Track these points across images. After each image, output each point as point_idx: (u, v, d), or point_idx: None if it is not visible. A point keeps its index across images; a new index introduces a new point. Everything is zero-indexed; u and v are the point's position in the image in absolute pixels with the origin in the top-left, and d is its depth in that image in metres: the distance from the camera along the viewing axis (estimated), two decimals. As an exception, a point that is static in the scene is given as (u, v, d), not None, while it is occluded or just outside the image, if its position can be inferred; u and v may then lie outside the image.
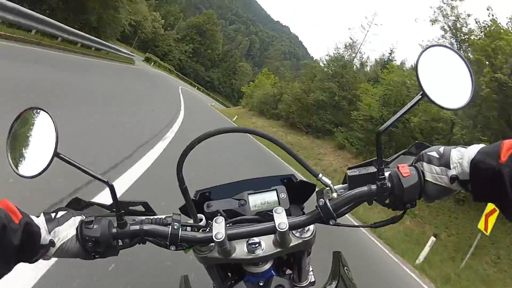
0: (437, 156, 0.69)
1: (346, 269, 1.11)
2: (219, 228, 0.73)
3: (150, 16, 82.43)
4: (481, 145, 0.64)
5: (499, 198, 0.59)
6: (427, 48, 0.75)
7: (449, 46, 0.78)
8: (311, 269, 0.98)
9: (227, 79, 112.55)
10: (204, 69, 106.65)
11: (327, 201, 0.74)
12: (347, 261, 1.17)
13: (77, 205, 0.82)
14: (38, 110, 0.77)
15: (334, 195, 0.79)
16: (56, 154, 0.71)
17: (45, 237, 0.66)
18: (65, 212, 0.73)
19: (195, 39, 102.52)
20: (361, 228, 1.00)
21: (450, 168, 0.66)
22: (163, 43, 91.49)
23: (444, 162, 0.67)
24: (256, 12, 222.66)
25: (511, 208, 0.58)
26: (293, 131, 28.34)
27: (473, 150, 0.64)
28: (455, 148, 0.68)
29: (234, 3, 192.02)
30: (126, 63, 25.69)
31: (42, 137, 0.75)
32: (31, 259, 0.66)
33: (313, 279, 0.98)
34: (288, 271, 0.98)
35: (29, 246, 0.63)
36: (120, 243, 0.76)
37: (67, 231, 0.70)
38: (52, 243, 0.68)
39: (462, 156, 0.65)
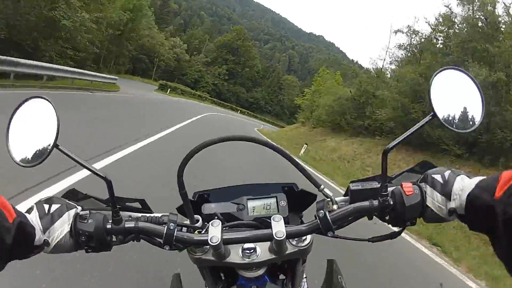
0: (441, 181, 0.70)
1: (340, 277, 1.10)
2: (215, 232, 0.72)
3: (169, 42, 71.25)
4: (482, 178, 0.63)
5: (491, 232, 0.58)
6: (442, 70, 0.77)
7: (463, 69, 0.79)
8: (304, 276, 0.99)
9: (273, 96, 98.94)
10: (245, 90, 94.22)
11: (327, 212, 0.74)
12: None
13: (73, 196, 0.81)
14: (42, 100, 0.76)
15: (335, 207, 0.79)
16: (55, 145, 0.72)
17: (40, 237, 0.65)
18: (59, 205, 0.71)
19: (228, 59, 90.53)
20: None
21: (450, 200, 0.67)
22: (190, 69, 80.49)
23: (447, 191, 0.68)
24: (287, 28, 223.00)
25: (501, 245, 0.56)
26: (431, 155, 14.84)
27: (473, 182, 0.63)
28: (459, 175, 0.68)
29: (263, 24, 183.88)
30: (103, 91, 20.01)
31: (43, 127, 0.74)
32: (24, 257, 0.65)
33: (306, 287, 1.01)
34: (282, 277, 0.94)
35: (22, 246, 0.62)
36: (114, 239, 0.76)
37: (61, 228, 0.69)
38: (46, 243, 0.67)
39: (463, 188, 0.65)
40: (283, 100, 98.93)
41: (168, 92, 45.63)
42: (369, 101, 22.32)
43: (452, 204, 0.66)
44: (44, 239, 0.66)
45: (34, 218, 0.66)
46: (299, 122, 46.18)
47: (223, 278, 0.91)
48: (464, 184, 0.65)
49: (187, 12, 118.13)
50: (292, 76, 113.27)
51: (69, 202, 0.74)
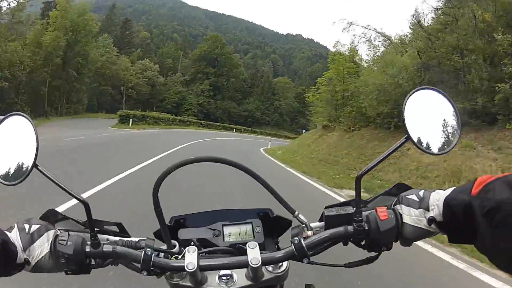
0: (417, 199, 0.70)
1: None
2: (191, 258, 0.72)
3: (136, 66, 60.77)
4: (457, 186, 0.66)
5: (472, 233, 0.59)
6: (416, 90, 0.75)
7: (438, 89, 0.77)
8: None
9: (268, 104, 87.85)
10: (236, 103, 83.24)
11: (302, 239, 0.75)
12: None
13: (51, 217, 0.81)
14: (21, 117, 0.75)
15: (310, 233, 0.78)
16: (34, 165, 0.71)
17: (20, 256, 0.66)
18: (39, 225, 0.71)
19: (209, 72, 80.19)
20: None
21: (428, 211, 0.67)
22: (168, 93, 69.86)
23: (424, 205, 0.68)
24: (263, 34, 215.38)
25: (483, 240, 0.58)
26: None
27: (450, 189, 0.66)
28: (434, 191, 0.69)
29: (239, 34, 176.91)
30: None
31: (23, 145, 0.73)
32: (7, 275, 0.66)
33: None
34: None
35: (5, 264, 0.63)
36: (93, 262, 0.76)
37: (41, 248, 0.69)
38: (27, 261, 0.67)
39: (439, 198, 0.66)
40: (280, 106, 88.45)
41: (130, 124, 34.91)
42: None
43: (431, 213, 0.66)
44: (25, 258, 0.66)
45: (14, 236, 0.66)
46: (312, 128, 34.96)
47: None
48: (440, 193, 0.66)
49: (159, 38, 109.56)
50: (284, 77, 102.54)
51: (48, 223, 0.74)
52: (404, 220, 0.70)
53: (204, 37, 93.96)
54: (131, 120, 35.66)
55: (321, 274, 3.15)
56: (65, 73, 40.07)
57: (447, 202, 0.63)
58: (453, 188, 0.65)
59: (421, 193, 0.70)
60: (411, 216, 0.69)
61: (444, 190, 0.67)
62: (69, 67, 40.70)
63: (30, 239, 0.68)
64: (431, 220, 0.65)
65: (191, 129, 46.09)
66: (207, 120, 64.53)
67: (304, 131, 64.78)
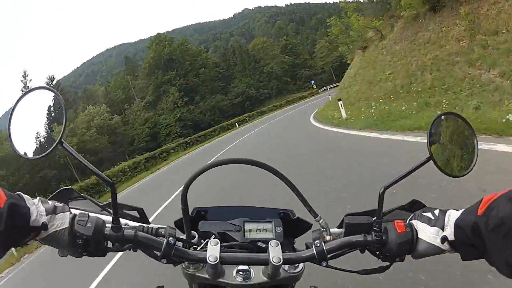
0: (432, 217, 0.73)
1: None
2: (214, 251, 0.73)
3: (80, 120, 44.00)
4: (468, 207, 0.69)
5: (483, 252, 0.63)
6: (441, 115, 0.81)
7: (461, 116, 0.82)
8: None
9: (258, 75, 70.11)
10: (222, 94, 65.24)
11: (323, 243, 0.77)
12: None
13: (70, 195, 0.83)
14: (49, 91, 0.72)
15: (328, 238, 0.81)
16: (60, 142, 0.68)
17: (37, 218, 0.65)
18: (63, 204, 0.72)
19: (171, 77, 62.39)
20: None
21: (443, 230, 0.70)
22: (134, 128, 52.96)
23: (439, 224, 0.71)
24: (212, 26, 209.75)
25: (492, 254, 0.61)
26: None
27: (460, 211, 0.69)
28: (448, 210, 0.72)
29: (190, 38, 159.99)
30: None
31: (49, 120, 0.74)
32: (20, 242, 0.65)
33: None
34: None
35: (17, 228, 0.62)
36: (110, 245, 0.75)
37: (62, 220, 0.69)
38: (44, 226, 0.66)
39: (451, 219, 0.70)
40: (273, 70, 70.66)
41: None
42: None
43: (444, 233, 0.69)
44: (43, 222, 0.65)
45: (36, 202, 0.67)
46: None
47: None
48: (452, 215, 0.69)
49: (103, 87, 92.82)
50: (259, 37, 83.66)
51: (65, 204, 0.74)
52: (419, 236, 0.73)
53: (146, 45, 75.36)
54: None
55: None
56: None
57: (457, 223, 0.67)
58: (463, 209, 0.68)
59: (436, 212, 0.73)
60: (426, 232, 0.72)
61: (456, 210, 0.70)
62: None
63: (53, 209, 0.68)
64: (444, 239, 0.69)
65: (182, 156, 29.92)
66: (197, 131, 47.08)
67: (313, 82, 56.64)
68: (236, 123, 45.12)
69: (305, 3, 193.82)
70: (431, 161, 0.74)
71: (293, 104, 49.27)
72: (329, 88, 52.54)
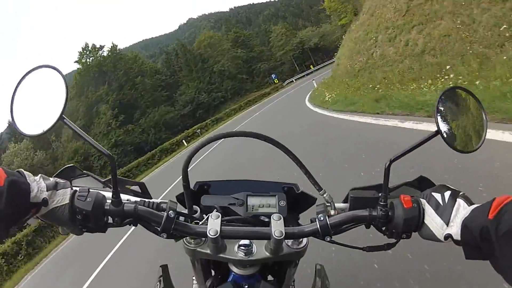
0: (441, 202, 0.71)
1: (327, 282, 1.14)
2: (214, 225, 0.71)
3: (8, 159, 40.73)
4: (478, 205, 0.66)
5: (489, 256, 0.61)
6: (450, 88, 0.79)
7: (471, 91, 0.80)
8: (293, 279, 0.99)
9: (208, 76, 60.85)
10: (167, 105, 55.56)
11: (327, 218, 0.75)
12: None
13: (71, 173, 0.83)
14: (52, 70, 0.73)
15: (333, 212, 0.80)
16: (61, 118, 0.69)
17: (37, 194, 0.66)
18: (65, 181, 0.73)
19: (100, 94, 52.28)
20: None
21: (448, 226, 0.68)
22: (62, 163, 41.77)
23: (445, 217, 0.69)
24: (163, 42, 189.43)
25: (499, 260, 0.59)
26: None
27: (470, 209, 0.66)
28: (459, 198, 0.69)
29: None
30: None
31: (50, 98, 0.72)
32: (21, 219, 0.65)
33: None
34: (270, 278, 0.97)
35: (17, 205, 0.63)
36: (111, 220, 0.74)
37: (63, 196, 0.70)
38: (45, 202, 0.67)
39: (459, 216, 0.67)
40: (224, 67, 61.46)
41: None
42: None
43: (449, 230, 0.67)
44: (44, 198, 0.66)
45: (37, 178, 0.68)
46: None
47: (213, 272, 0.93)
48: (461, 212, 0.67)
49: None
50: (204, 33, 73.61)
51: (67, 181, 0.74)
52: (425, 221, 0.71)
53: (74, 61, 64.05)
54: None
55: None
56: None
57: (465, 224, 0.64)
58: (473, 207, 0.65)
59: (446, 195, 0.71)
60: (432, 221, 0.70)
61: (466, 201, 0.68)
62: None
63: (55, 185, 0.69)
64: (447, 237, 0.67)
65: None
66: (140, 155, 36.56)
67: (274, 76, 52.89)
68: (184, 140, 35.20)
69: (249, 4, 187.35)
70: (439, 135, 0.72)
71: (256, 103, 41.07)
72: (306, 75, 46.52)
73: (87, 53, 54.79)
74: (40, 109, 0.71)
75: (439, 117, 0.73)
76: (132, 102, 53.38)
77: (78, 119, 50.91)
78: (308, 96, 18.67)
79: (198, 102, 56.53)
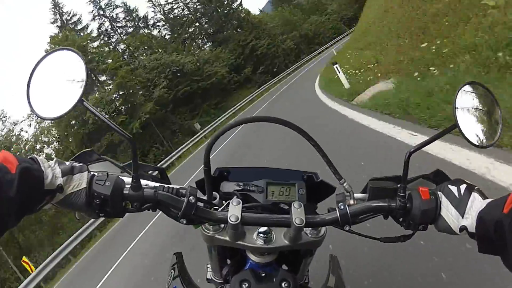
0: (457, 195, 0.71)
1: (340, 272, 1.13)
2: (235, 211, 0.71)
3: None
4: (493, 199, 0.67)
5: (501, 250, 0.61)
6: (468, 83, 0.79)
7: (486, 86, 0.80)
8: (307, 269, 1.00)
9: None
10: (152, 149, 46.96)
11: (347, 207, 0.75)
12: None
13: (88, 157, 0.81)
14: (70, 52, 0.71)
15: (352, 202, 0.80)
16: (81, 101, 0.67)
17: (52, 181, 0.64)
18: (81, 164, 0.72)
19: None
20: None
21: (463, 218, 0.69)
22: None
23: (461, 208, 0.69)
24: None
25: (510, 256, 0.59)
26: None
27: (485, 202, 0.67)
28: (474, 192, 0.70)
29: None
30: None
31: (69, 81, 0.71)
32: (35, 207, 0.64)
33: (307, 280, 1.03)
34: (284, 267, 0.95)
35: (30, 193, 0.61)
36: (129, 205, 0.73)
37: (79, 181, 0.68)
38: (60, 188, 0.65)
39: (475, 209, 0.67)
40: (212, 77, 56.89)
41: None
42: None
43: (464, 222, 0.68)
44: (59, 184, 0.65)
45: (52, 164, 0.66)
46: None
47: (229, 260, 0.94)
48: (477, 204, 0.67)
49: None
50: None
51: (87, 166, 0.74)
52: (441, 213, 0.72)
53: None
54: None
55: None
56: None
57: (481, 216, 0.64)
58: (489, 200, 0.66)
59: (462, 188, 0.71)
60: (448, 213, 0.71)
61: (481, 195, 0.69)
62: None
63: (70, 170, 0.68)
64: (462, 229, 0.68)
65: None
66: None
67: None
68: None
69: None
70: (456, 128, 0.72)
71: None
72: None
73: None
74: (58, 92, 0.70)
75: (457, 110, 0.74)
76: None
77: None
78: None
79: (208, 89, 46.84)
